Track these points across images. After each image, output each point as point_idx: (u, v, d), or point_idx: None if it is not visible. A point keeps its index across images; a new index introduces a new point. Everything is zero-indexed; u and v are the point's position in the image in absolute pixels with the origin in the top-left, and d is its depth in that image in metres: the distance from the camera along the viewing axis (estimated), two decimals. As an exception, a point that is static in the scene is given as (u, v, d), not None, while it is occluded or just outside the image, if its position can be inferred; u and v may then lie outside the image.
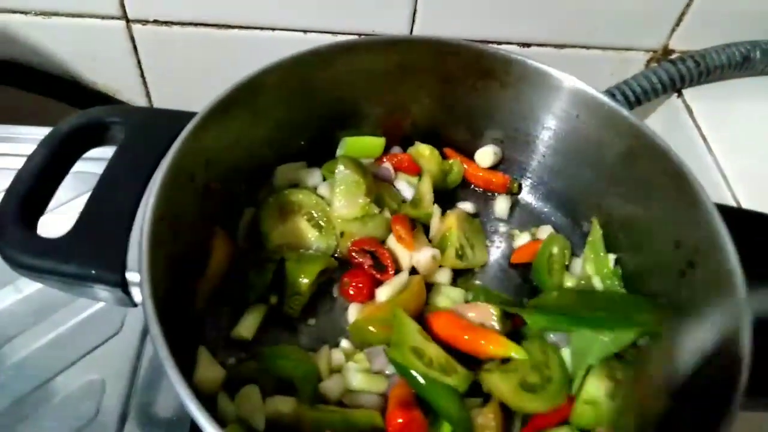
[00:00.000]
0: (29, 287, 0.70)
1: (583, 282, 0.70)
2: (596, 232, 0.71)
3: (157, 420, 0.63)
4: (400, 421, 0.55)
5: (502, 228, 0.78)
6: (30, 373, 0.64)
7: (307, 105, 0.70)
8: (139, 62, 0.94)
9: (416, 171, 0.77)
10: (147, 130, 0.57)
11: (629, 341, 0.60)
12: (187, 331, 0.58)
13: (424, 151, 0.77)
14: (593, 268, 0.69)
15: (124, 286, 0.48)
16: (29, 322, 0.68)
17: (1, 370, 0.64)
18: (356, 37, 0.88)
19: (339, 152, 0.75)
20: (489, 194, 0.80)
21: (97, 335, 0.68)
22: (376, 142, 0.76)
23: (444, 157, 0.79)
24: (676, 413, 0.54)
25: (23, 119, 0.82)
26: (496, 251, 0.75)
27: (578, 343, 0.61)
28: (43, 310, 0.69)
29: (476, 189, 0.80)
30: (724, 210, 0.58)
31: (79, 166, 0.75)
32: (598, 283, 0.69)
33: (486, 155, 0.79)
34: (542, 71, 0.69)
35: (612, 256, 0.69)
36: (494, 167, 0.80)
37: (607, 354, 0.60)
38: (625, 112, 0.66)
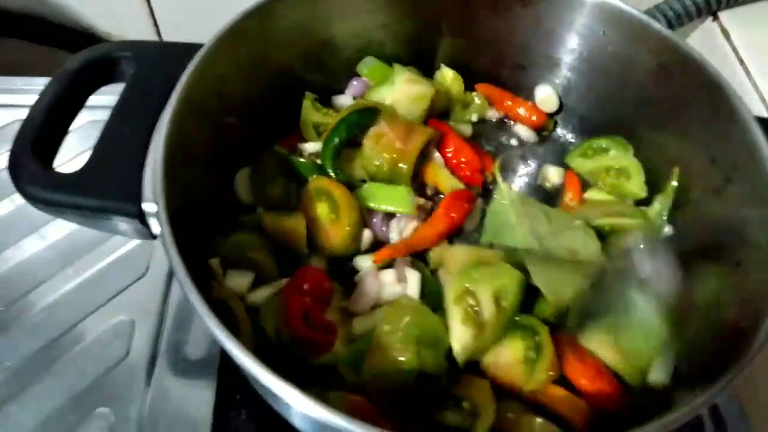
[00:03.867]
0: (53, 234, 0.71)
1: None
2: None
3: (186, 358, 0.63)
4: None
5: (532, 162, 0.75)
6: (60, 316, 0.65)
7: (323, 35, 0.67)
8: (151, 11, 0.92)
9: None
10: (157, 64, 0.55)
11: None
12: (206, 259, 0.57)
13: (447, 74, 0.75)
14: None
15: (141, 216, 0.48)
16: (56, 267, 0.69)
17: (32, 314, 0.65)
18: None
19: (360, 68, 0.73)
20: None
21: (123, 278, 0.68)
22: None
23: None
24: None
25: (36, 72, 0.81)
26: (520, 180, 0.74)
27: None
28: (69, 255, 0.70)
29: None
30: (763, 122, 0.54)
31: (91, 115, 0.75)
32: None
33: (548, 101, 0.76)
34: (565, -15, 0.65)
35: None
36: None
37: None
38: (655, 24, 0.62)
